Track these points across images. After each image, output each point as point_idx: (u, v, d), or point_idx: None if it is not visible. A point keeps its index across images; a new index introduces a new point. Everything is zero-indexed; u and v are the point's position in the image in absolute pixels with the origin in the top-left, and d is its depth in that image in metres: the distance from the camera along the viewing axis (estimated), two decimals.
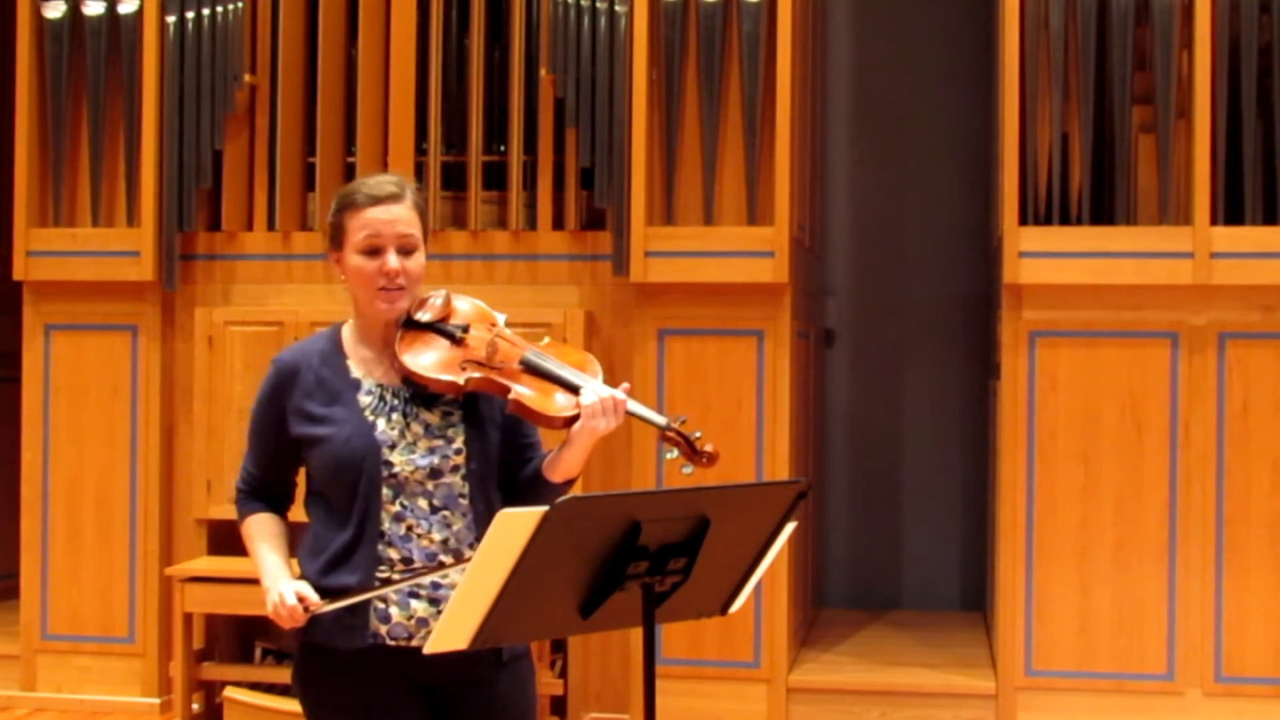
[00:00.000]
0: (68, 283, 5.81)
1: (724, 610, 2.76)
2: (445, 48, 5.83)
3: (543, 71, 5.62)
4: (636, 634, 5.04)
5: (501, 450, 2.80)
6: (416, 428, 2.71)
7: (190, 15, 5.72)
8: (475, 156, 5.71)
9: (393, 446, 2.69)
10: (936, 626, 6.54)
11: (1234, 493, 5.26)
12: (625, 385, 2.72)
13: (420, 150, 5.78)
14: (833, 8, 7.23)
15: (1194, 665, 5.27)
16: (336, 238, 2.74)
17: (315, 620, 2.67)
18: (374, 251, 2.69)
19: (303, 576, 2.73)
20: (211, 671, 5.47)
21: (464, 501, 2.72)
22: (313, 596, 2.65)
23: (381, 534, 2.68)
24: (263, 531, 2.80)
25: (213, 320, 5.64)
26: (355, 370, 2.76)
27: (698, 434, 2.70)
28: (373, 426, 2.69)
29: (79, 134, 5.84)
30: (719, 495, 2.58)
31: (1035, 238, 5.31)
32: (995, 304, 5.85)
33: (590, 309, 5.58)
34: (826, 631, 6.40)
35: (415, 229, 2.72)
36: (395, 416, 2.71)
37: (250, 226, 5.86)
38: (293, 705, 5.26)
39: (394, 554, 2.68)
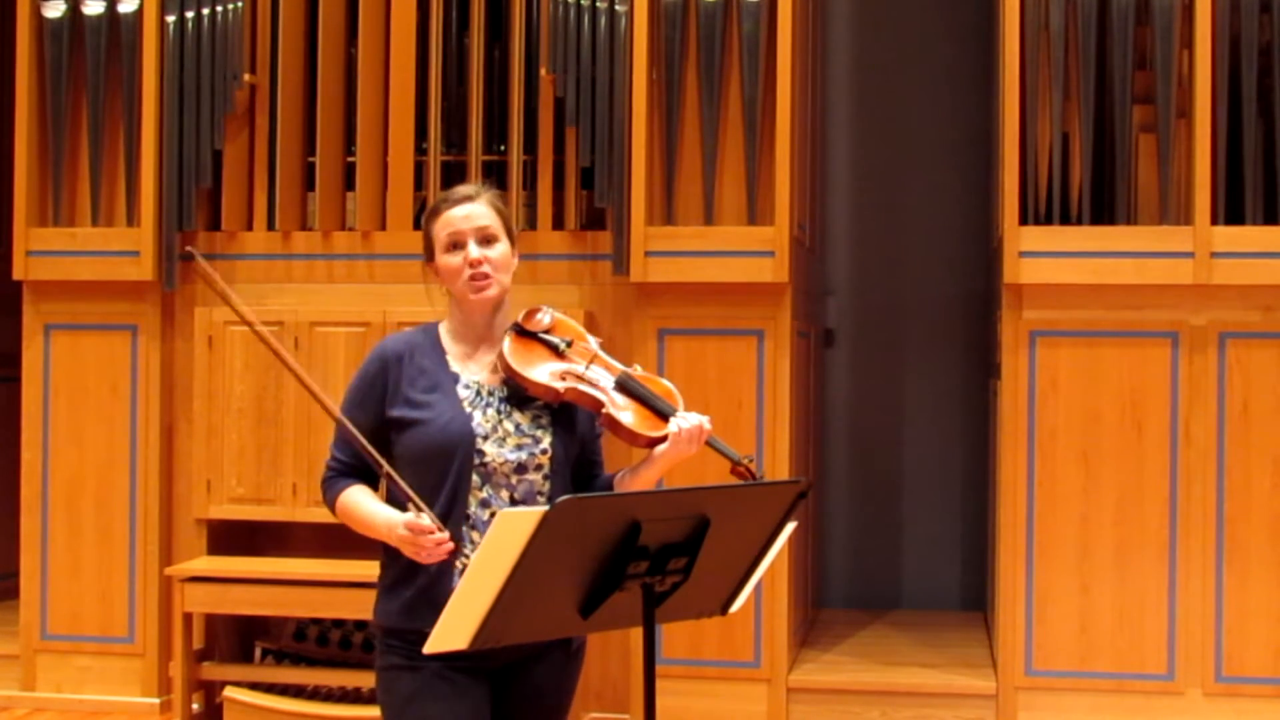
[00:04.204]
0: (68, 282, 5.81)
1: (724, 610, 2.76)
2: (445, 47, 5.83)
3: (543, 71, 5.62)
4: (636, 634, 5.04)
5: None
6: (508, 425, 2.88)
7: (190, 15, 5.71)
8: (475, 156, 5.71)
9: (485, 438, 2.85)
10: (936, 626, 6.54)
11: (1234, 492, 5.26)
12: (707, 417, 2.87)
13: (420, 150, 5.78)
14: (833, 7, 7.23)
15: (1194, 665, 5.26)
16: (428, 248, 2.96)
17: (392, 605, 2.84)
18: (456, 246, 2.89)
19: (385, 556, 2.89)
20: (211, 671, 5.46)
21: (541, 499, 2.88)
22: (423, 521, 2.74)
23: (467, 517, 2.83)
24: (364, 496, 2.92)
25: (212, 320, 5.63)
26: (454, 365, 2.93)
27: (763, 475, 2.91)
28: (470, 417, 2.86)
29: (79, 134, 5.84)
30: (719, 495, 2.58)
31: (1035, 237, 5.31)
32: (995, 304, 5.85)
33: (590, 308, 5.58)
34: (826, 631, 6.40)
35: (492, 222, 2.92)
36: (490, 412, 2.88)
37: (250, 226, 5.86)
38: (292, 705, 5.30)
39: (476, 536, 2.82)
